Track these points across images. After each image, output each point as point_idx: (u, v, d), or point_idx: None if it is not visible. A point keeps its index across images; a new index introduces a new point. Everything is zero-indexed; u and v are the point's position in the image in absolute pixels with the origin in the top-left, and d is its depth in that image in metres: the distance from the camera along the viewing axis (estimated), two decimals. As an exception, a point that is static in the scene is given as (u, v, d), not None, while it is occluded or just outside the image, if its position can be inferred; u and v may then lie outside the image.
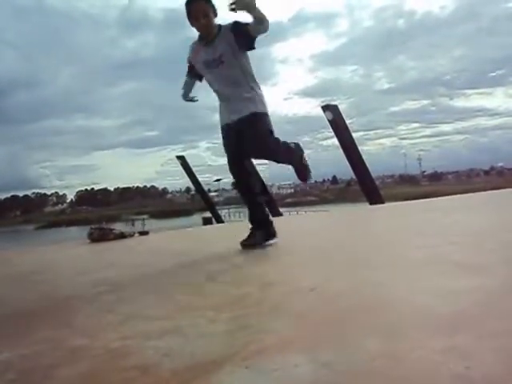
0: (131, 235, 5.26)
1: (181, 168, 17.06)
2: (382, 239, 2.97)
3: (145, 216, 36.45)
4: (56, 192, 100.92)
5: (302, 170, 3.04)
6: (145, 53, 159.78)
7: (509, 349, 0.93)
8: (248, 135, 2.82)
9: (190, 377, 0.96)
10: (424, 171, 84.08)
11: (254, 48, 2.79)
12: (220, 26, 2.81)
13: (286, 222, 5.05)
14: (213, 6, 2.78)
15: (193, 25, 2.81)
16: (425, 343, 1.00)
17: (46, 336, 1.42)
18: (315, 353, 1.01)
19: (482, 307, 1.23)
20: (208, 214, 20.15)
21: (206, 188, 21.30)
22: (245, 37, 2.72)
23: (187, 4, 2.75)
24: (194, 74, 3.07)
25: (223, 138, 3.00)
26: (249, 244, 2.95)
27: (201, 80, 3.08)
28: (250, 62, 2.90)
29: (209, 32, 2.81)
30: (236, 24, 2.76)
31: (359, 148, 10.82)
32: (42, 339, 1.38)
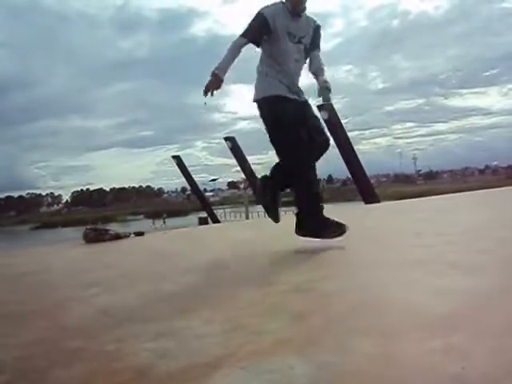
0: (127, 236, 5.23)
1: (176, 168, 17.04)
2: (377, 239, 2.98)
3: (165, 214, 37.26)
4: (51, 192, 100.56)
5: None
6: (140, 53, 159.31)
7: (504, 349, 0.94)
8: None
9: (186, 378, 0.96)
10: (419, 170, 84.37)
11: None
12: (307, 15, 2.74)
13: (282, 222, 5.04)
14: None
15: None
16: (421, 343, 1.00)
17: (41, 338, 1.41)
18: (311, 354, 1.01)
19: (478, 307, 1.23)
20: (204, 214, 20.14)
21: (201, 188, 21.28)
22: (312, 46, 2.75)
23: None
24: (254, 36, 2.61)
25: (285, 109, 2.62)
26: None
27: (258, 45, 2.67)
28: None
29: (301, 3, 2.64)
30: (319, 31, 2.79)
31: (354, 147, 10.87)
32: (37, 341, 1.37)
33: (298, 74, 2.74)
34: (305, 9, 2.69)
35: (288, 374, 0.92)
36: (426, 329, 1.09)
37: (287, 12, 2.63)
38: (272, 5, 2.65)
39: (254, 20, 2.62)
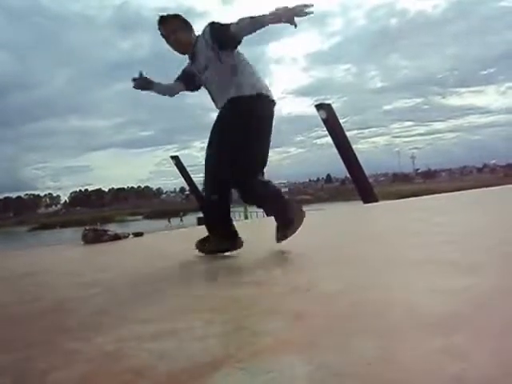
0: (125, 236, 5.23)
1: (175, 168, 17.05)
2: (376, 238, 2.98)
3: (181, 212, 37.76)
4: (49, 193, 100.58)
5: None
6: (139, 53, 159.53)
7: (505, 349, 0.94)
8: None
9: (186, 379, 0.96)
10: (417, 169, 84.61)
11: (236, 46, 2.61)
12: (198, 36, 2.71)
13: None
14: (182, 21, 2.74)
15: (168, 43, 2.79)
16: (421, 344, 1.00)
17: (40, 339, 1.40)
18: (311, 354, 1.01)
19: (479, 307, 1.23)
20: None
21: (200, 188, 21.25)
22: (225, 39, 2.55)
23: (158, 25, 2.76)
24: (180, 78, 2.94)
25: None
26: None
27: (186, 88, 2.95)
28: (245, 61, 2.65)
29: (184, 48, 2.77)
30: (212, 28, 2.60)
31: (353, 146, 10.89)
32: (36, 342, 1.37)
33: (219, 90, 2.70)
34: (194, 45, 2.72)
35: (288, 375, 0.91)
36: (426, 329, 1.09)
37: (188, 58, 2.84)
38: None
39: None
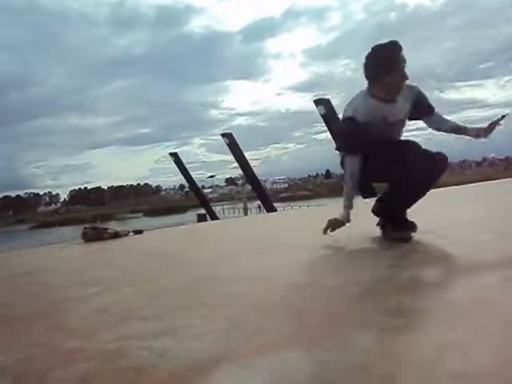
0: (125, 234, 5.22)
1: (174, 165, 17.05)
2: (375, 234, 2.98)
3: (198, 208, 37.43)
4: (49, 192, 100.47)
5: None
6: (137, 50, 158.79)
7: (505, 345, 0.94)
8: None
9: (186, 377, 0.96)
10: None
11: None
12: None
13: (280, 217, 5.06)
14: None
15: (390, 75, 2.32)
16: (421, 340, 1.00)
17: (41, 339, 1.41)
18: (311, 351, 1.01)
19: (478, 303, 1.23)
20: (202, 211, 20.15)
21: (199, 185, 21.28)
22: (422, 113, 2.60)
23: (389, 49, 2.33)
24: (360, 145, 2.43)
25: None
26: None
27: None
28: None
29: (400, 89, 2.40)
30: (421, 96, 2.58)
31: (352, 142, 10.87)
32: (37, 342, 1.37)
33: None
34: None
35: (289, 371, 0.92)
36: (427, 325, 1.10)
37: (377, 100, 2.40)
38: (360, 100, 2.42)
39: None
